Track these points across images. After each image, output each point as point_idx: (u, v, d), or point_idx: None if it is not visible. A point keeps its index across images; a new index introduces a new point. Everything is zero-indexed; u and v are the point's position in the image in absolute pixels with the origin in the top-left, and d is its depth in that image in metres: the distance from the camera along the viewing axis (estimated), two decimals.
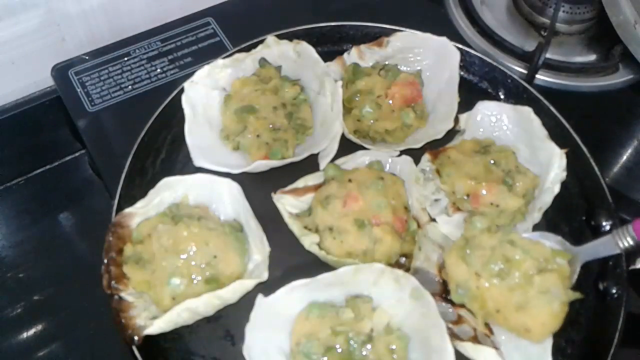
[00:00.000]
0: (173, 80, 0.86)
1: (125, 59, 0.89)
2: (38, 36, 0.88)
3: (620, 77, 0.90)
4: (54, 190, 0.92)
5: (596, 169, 0.69)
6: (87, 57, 0.89)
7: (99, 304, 0.67)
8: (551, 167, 0.65)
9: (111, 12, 0.93)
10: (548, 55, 0.86)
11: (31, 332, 0.75)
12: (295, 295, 0.58)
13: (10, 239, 0.85)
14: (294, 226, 0.64)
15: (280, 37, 0.76)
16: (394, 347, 0.55)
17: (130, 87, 0.86)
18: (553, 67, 0.89)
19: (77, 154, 0.95)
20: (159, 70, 0.88)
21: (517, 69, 0.88)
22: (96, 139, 0.82)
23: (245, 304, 0.59)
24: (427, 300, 0.55)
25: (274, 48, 0.74)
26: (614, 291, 0.62)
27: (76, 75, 0.87)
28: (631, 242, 0.54)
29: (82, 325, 0.74)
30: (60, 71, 0.87)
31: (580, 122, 0.73)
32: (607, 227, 0.65)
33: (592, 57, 0.94)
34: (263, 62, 0.74)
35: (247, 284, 0.59)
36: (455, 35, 0.89)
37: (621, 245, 0.55)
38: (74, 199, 0.91)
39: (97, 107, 0.84)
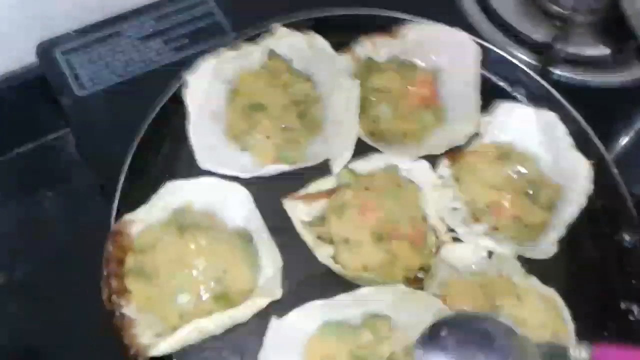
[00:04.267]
0: (169, 63, 0.80)
1: (117, 38, 0.82)
2: (22, 9, 0.80)
3: (635, 73, 0.86)
4: (37, 170, 0.87)
5: (618, 178, 0.66)
6: (74, 34, 0.82)
7: (80, 288, 0.64)
8: (577, 178, 0.63)
9: None
10: (562, 47, 0.83)
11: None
12: (310, 315, 0.55)
13: None
14: (307, 236, 0.61)
15: (286, 25, 0.71)
16: None
17: (122, 69, 0.80)
18: (567, 60, 0.85)
19: (60, 132, 0.89)
20: (153, 51, 0.82)
21: (532, 62, 0.84)
22: (86, 127, 0.76)
23: (254, 320, 0.57)
24: None
25: (283, 39, 0.69)
26: None
27: (63, 54, 0.81)
28: None
29: (59, 306, 0.71)
30: (46, 49, 0.81)
31: (588, 117, 0.70)
32: (631, 243, 0.63)
33: (605, 51, 0.90)
34: (272, 54, 0.69)
35: (260, 303, 0.56)
36: (467, 25, 0.85)
37: None
38: (57, 179, 0.86)
39: (87, 91, 0.78)
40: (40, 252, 0.77)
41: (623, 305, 0.61)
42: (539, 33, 0.88)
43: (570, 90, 0.75)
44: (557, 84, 0.76)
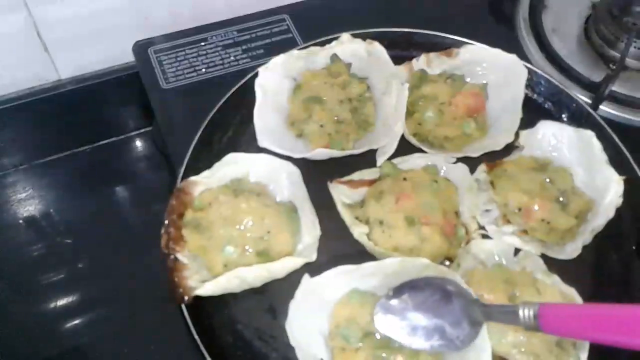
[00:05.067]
0: (244, 69, 0.89)
1: (202, 43, 0.93)
2: (125, 12, 0.93)
3: None
4: (115, 162, 0.97)
5: None
6: (167, 38, 0.94)
7: (145, 271, 0.72)
8: (607, 192, 0.66)
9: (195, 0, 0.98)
10: (615, 89, 0.87)
11: (73, 298, 0.79)
12: (340, 280, 0.60)
13: (65, 204, 0.89)
14: (346, 215, 0.66)
15: (354, 36, 0.79)
16: None
17: (203, 70, 0.90)
18: (619, 100, 0.89)
19: (141, 131, 1.00)
20: (232, 57, 0.92)
21: (582, 98, 0.88)
22: (166, 114, 0.86)
23: (291, 281, 0.62)
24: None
25: (346, 45, 0.78)
26: None
27: (155, 53, 0.92)
28: (532, 324, 0.48)
29: (123, 292, 0.78)
30: (141, 47, 0.92)
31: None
32: None
33: None
34: (334, 57, 0.78)
35: (297, 262, 0.62)
36: (523, 58, 0.90)
37: (522, 321, 0.49)
38: (132, 173, 0.97)
39: (171, 85, 0.88)
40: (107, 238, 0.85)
41: None
42: (593, 74, 0.93)
43: (618, 128, 0.78)
44: (607, 121, 0.78)
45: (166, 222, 0.64)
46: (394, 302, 0.57)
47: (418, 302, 0.56)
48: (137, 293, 0.77)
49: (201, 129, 0.73)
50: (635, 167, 0.70)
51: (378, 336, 0.57)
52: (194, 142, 0.71)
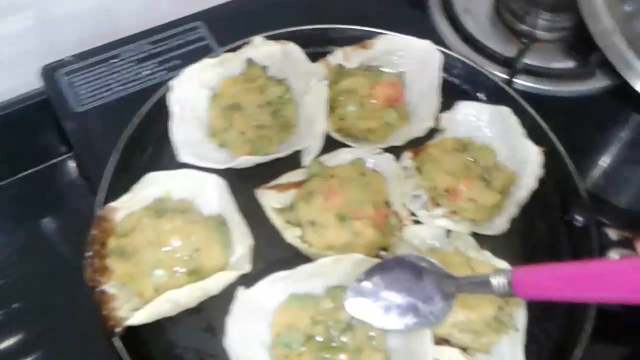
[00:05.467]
0: (162, 82, 0.86)
1: (115, 60, 0.90)
2: (29, 37, 0.89)
3: (597, 83, 0.92)
4: (38, 194, 0.92)
5: (570, 165, 0.70)
6: (76, 59, 0.90)
7: (82, 306, 0.68)
8: (528, 164, 0.67)
9: (102, 15, 0.94)
10: (528, 61, 0.89)
11: (8, 341, 0.75)
12: (276, 287, 0.59)
13: None
14: (277, 220, 0.65)
15: (267, 38, 0.78)
16: (372, 334, 0.56)
17: (119, 88, 0.87)
18: (533, 72, 0.91)
19: (63, 157, 0.95)
20: (148, 71, 0.89)
21: (499, 74, 0.90)
22: (83, 138, 0.82)
23: (227, 296, 0.60)
24: None
25: (261, 48, 0.76)
26: None
27: (66, 75, 0.88)
28: (506, 290, 0.49)
29: (60, 329, 0.74)
30: (50, 71, 0.88)
31: (557, 125, 0.75)
32: (581, 222, 0.66)
33: (570, 64, 0.96)
34: (250, 62, 0.76)
35: (230, 275, 0.60)
36: (438, 42, 0.91)
37: (495, 289, 0.49)
38: (58, 203, 0.92)
39: (85, 107, 0.85)
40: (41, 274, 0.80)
41: None
42: (506, 49, 0.95)
43: (536, 99, 0.80)
44: (523, 94, 0.81)
45: (89, 253, 0.61)
46: (365, 284, 0.56)
47: (390, 282, 0.55)
48: (75, 328, 0.73)
49: (118, 150, 0.70)
50: (553, 136, 0.72)
51: (320, 339, 0.56)
52: (111, 165, 0.68)
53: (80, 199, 0.90)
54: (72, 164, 0.94)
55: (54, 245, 0.86)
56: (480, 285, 0.50)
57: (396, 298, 0.55)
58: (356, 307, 0.56)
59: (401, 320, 0.55)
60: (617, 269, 0.43)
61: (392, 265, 0.56)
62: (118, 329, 0.57)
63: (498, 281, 0.48)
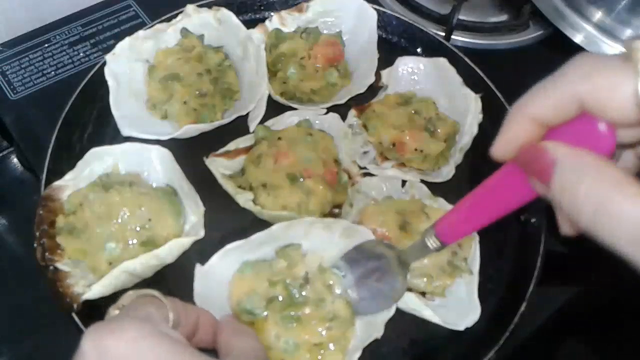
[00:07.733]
0: (96, 64, 0.83)
1: (46, 45, 0.87)
2: None
3: (531, 34, 0.95)
4: None
5: (508, 108, 0.73)
6: (6, 46, 0.87)
7: (41, 299, 0.67)
8: (468, 111, 0.69)
9: (29, 1, 0.91)
10: (463, 17, 0.91)
11: None
12: (230, 258, 0.59)
13: None
14: (228, 186, 0.65)
15: (199, 7, 0.77)
16: (331, 282, 0.57)
17: (52, 72, 0.85)
18: (469, 28, 0.93)
19: (5, 152, 0.92)
20: (81, 54, 0.87)
21: (436, 32, 0.91)
22: (21, 126, 0.79)
23: (183, 265, 0.60)
24: (361, 232, 0.58)
25: (194, 17, 0.75)
26: (533, 221, 0.66)
27: None
28: (438, 244, 0.49)
29: (21, 328, 0.71)
30: None
31: (495, 76, 0.77)
32: None
33: (504, 17, 0.99)
34: (185, 31, 0.75)
35: (183, 242, 0.60)
36: (375, 2, 0.92)
37: (431, 247, 0.50)
38: (7, 198, 0.89)
39: (20, 95, 0.82)
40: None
41: (522, 218, 0.67)
42: (440, 7, 0.97)
43: (474, 54, 0.82)
44: (461, 50, 0.82)
45: (37, 234, 0.59)
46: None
47: (360, 275, 0.57)
48: (36, 322, 0.71)
49: (55, 132, 0.68)
50: (489, 82, 0.75)
51: (280, 298, 0.56)
52: (50, 147, 0.66)
53: (32, 192, 0.87)
54: (15, 160, 0.91)
55: (5, 244, 0.82)
56: (420, 249, 0.51)
57: (366, 291, 0.57)
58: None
59: (373, 304, 0.57)
60: (499, 181, 0.44)
61: (356, 257, 0.58)
62: (75, 305, 0.56)
63: (429, 240, 0.49)
